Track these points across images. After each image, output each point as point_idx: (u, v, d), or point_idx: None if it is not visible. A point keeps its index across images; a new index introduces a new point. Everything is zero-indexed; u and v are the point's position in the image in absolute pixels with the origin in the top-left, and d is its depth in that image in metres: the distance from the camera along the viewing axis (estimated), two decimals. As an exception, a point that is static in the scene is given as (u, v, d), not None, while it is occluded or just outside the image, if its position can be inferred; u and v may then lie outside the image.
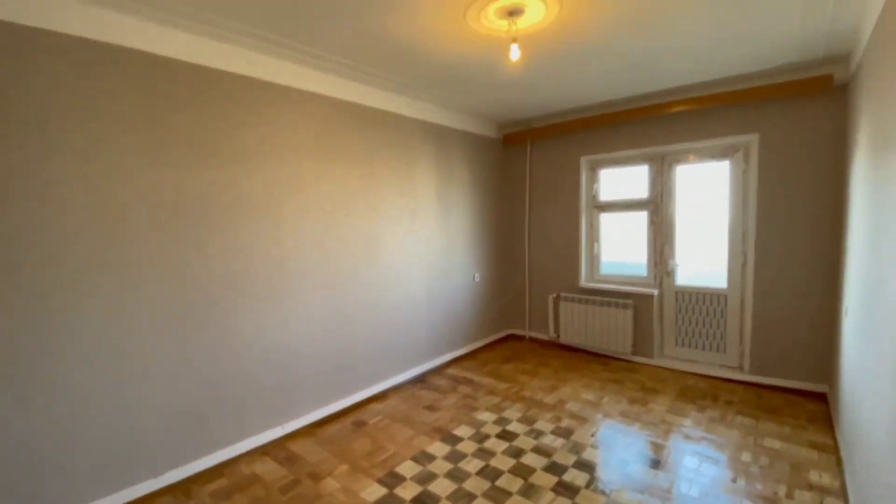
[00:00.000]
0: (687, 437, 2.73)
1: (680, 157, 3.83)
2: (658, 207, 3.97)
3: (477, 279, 4.59)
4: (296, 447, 2.70)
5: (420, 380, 3.79)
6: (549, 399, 3.32)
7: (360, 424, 2.98)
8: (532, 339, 4.90)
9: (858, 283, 2.22)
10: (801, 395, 3.28)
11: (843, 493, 2.14)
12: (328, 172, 3.06)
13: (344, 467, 2.47)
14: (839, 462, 2.39)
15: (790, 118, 3.23)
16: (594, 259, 4.47)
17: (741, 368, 3.61)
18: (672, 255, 3.94)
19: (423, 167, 3.88)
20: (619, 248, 4.37)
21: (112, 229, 2.09)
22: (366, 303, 3.36)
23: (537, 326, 4.87)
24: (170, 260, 2.29)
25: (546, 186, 4.67)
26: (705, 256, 3.83)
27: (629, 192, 4.19)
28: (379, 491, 2.25)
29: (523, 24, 2.29)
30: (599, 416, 3.04)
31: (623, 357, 4.17)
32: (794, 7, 2.20)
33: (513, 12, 2.17)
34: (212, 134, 2.44)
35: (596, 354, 4.34)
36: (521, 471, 2.40)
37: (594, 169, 4.39)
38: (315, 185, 2.98)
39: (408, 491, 2.24)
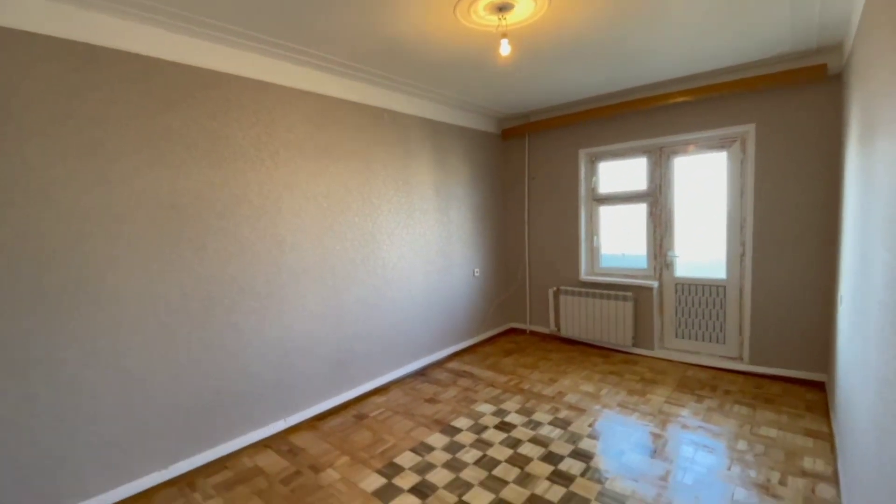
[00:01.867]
0: (684, 426, 2.76)
1: (678, 149, 3.83)
2: (657, 199, 3.97)
3: (477, 274, 4.62)
4: (297, 440, 2.76)
5: (421, 373, 3.84)
6: (549, 391, 3.35)
7: (360, 417, 3.04)
8: (533, 333, 4.93)
9: (851, 271, 2.22)
10: (801, 384, 3.28)
11: (835, 478, 2.16)
12: (325, 170, 3.10)
13: (344, 459, 2.52)
14: (833, 449, 2.40)
15: (786, 108, 3.21)
16: (594, 252, 4.48)
17: (741, 359, 3.61)
18: (671, 246, 3.94)
19: (421, 163, 3.91)
20: (619, 240, 4.38)
21: (113, 231, 2.15)
22: (365, 299, 3.41)
23: (538, 320, 4.90)
24: (169, 260, 2.35)
25: (545, 180, 4.68)
26: (704, 248, 3.83)
27: (628, 185, 4.19)
28: (378, 481, 2.30)
29: (513, 19, 2.31)
30: (598, 407, 3.07)
31: (623, 349, 4.19)
32: (784, -4, 2.20)
33: (502, 7, 2.19)
34: (206, 133, 2.48)
35: (596, 347, 4.36)
36: (518, 460, 2.44)
37: (593, 162, 4.39)
38: (312, 182, 3.02)
39: (406, 481, 2.29)
